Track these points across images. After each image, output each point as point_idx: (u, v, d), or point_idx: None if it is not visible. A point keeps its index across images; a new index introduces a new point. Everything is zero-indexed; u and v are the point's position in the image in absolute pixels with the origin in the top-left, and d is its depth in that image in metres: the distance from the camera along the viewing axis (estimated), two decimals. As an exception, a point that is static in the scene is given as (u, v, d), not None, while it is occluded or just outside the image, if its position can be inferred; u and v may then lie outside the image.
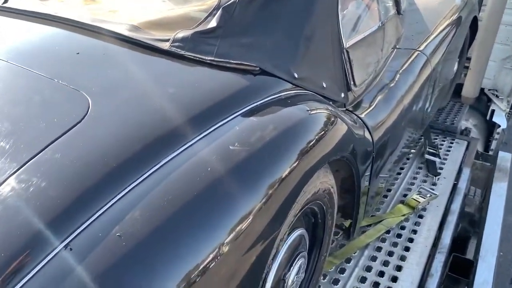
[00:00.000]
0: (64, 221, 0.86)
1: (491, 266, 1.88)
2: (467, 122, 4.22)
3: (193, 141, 1.03)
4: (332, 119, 1.40)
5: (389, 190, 2.46)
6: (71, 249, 0.82)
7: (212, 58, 1.26)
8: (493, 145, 4.33)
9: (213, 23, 1.30)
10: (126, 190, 0.91)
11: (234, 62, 1.26)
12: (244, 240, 0.98)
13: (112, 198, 0.89)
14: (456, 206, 2.34)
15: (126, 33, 1.32)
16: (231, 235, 0.94)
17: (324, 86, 1.50)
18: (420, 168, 2.71)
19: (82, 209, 0.87)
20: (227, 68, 1.26)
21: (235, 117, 1.13)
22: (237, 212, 0.97)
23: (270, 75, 1.32)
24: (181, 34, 1.29)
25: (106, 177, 0.92)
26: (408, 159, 2.78)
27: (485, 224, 2.15)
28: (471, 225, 2.88)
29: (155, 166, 0.96)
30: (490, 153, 4.16)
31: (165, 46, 1.28)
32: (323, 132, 1.29)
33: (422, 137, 2.98)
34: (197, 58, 1.26)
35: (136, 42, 1.31)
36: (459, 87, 4.01)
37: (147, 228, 0.87)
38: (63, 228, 0.85)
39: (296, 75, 1.37)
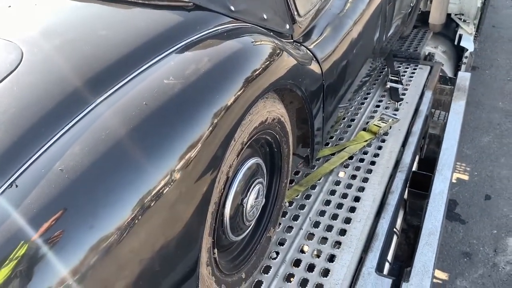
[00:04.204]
0: (8, 161, 0.91)
1: (446, 178, 1.99)
2: (436, 49, 4.26)
3: (128, 79, 1.08)
4: (274, 50, 1.43)
5: (352, 120, 2.54)
6: (16, 186, 0.88)
7: (144, -2, 1.28)
8: (462, 69, 4.40)
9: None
10: (65, 129, 0.97)
11: (166, -1, 1.29)
12: (186, 167, 1.04)
13: (52, 138, 0.95)
14: (417, 128, 2.43)
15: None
16: (171, 164, 1.01)
17: (265, 17, 1.53)
18: (383, 96, 2.78)
19: (24, 149, 0.93)
20: (160, 6, 1.29)
21: (169, 54, 1.17)
22: (174, 141, 1.03)
23: (206, 10, 1.34)
24: (111, -24, 1.30)
25: (43, 119, 0.97)
26: (371, 88, 2.85)
27: (443, 141, 2.25)
28: (437, 146, 2.99)
29: (91, 105, 1.01)
30: (459, 77, 4.24)
31: (97, -10, 1.29)
32: (262, 63, 1.33)
33: (386, 66, 3.03)
34: None
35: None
36: (426, 15, 4.03)
37: (87, 161, 0.92)
38: (8, 167, 0.90)
39: (232, 8, 1.39)
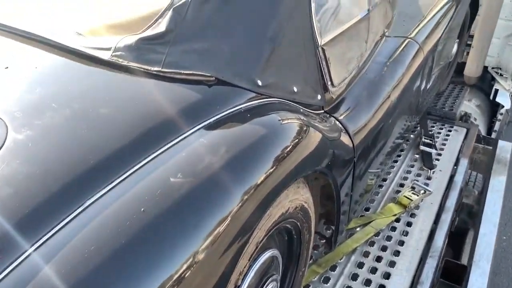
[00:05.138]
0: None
1: (485, 273, 1.75)
2: (470, 102, 4.04)
3: (128, 173, 0.90)
4: (302, 130, 1.25)
5: (380, 186, 2.33)
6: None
7: (159, 69, 1.11)
8: (496, 126, 4.16)
9: (161, 27, 1.14)
10: (48, 235, 0.79)
11: (184, 72, 1.11)
12: (189, 284, 0.86)
13: (35, 243, 0.77)
14: (451, 203, 2.21)
15: (65, 41, 1.17)
16: (168, 284, 0.82)
17: (295, 90, 1.35)
18: (415, 160, 2.56)
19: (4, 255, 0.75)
20: (176, 80, 1.11)
21: (181, 140, 0.99)
22: (173, 257, 0.84)
23: (229, 85, 1.17)
24: (124, 41, 1.13)
25: (22, 222, 0.79)
26: (402, 150, 2.64)
27: (480, 225, 2.01)
28: (469, 217, 2.75)
29: (78, 208, 0.83)
30: (493, 135, 4.01)
31: (107, 55, 1.13)
32: (287, 150, 1.14)
33: (418, 125, 2.82)
34: (142, 69, 1.11)
35: (76, 52, 1.16)
36: (461, 66, 3.83)
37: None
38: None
39: (260, 83, 1.22)
